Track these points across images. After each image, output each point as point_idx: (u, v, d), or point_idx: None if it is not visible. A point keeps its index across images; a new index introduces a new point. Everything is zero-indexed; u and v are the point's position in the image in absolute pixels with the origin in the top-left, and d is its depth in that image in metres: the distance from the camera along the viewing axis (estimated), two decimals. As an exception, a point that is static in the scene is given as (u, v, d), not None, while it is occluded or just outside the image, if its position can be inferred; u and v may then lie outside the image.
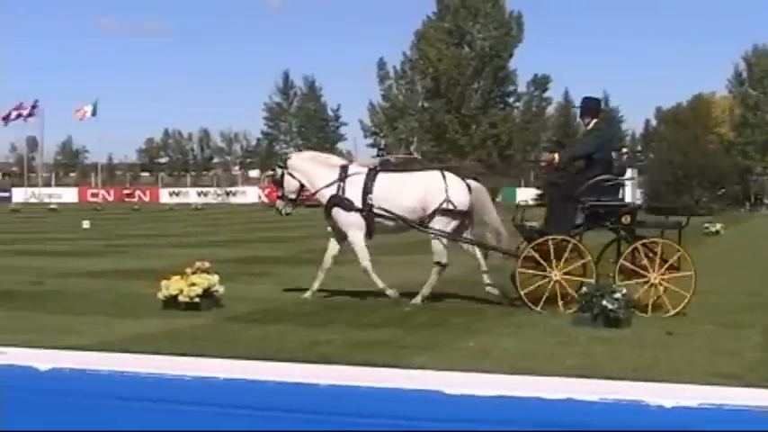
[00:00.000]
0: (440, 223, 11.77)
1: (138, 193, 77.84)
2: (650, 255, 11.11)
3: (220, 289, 10.74)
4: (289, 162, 12.63)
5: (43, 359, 1.63)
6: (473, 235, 12.01)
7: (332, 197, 12.06)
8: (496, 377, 1.51)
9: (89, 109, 78.63)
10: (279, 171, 12.57)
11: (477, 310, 10.95)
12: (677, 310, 10.58)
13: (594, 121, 11.80)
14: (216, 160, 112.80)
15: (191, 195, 74.53)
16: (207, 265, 10.91)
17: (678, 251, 11.10)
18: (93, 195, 76.32)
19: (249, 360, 1.73)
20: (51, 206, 54.62)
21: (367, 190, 11.97)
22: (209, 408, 1.51)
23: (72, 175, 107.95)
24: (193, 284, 10.42)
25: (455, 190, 11.88)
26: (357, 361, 7.58)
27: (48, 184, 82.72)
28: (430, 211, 11.76)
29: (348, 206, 11.99)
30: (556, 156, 12.20)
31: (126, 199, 73.36)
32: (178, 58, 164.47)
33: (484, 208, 12.07)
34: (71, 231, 29.67)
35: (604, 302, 9.63)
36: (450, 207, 11.77)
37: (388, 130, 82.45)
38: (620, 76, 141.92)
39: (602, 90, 77.71)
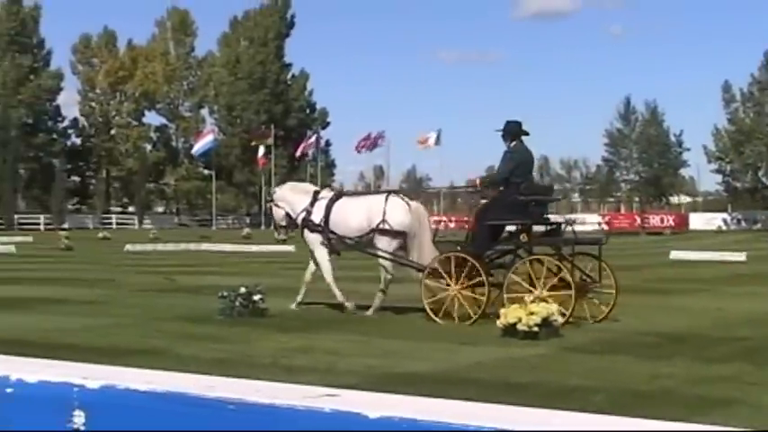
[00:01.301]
0: (382, 242, 13.01)
1: (477, 221, 79.27)
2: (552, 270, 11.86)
3: (559, 318, 10.72)
4: (275, 195, 14.58)
5: (374, 404, 1.37)
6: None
7: (302, 220, 13.73)
8: None
9: (432, 137, 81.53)
10: (269, 204, 14.53)
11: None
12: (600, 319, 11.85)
13: (514, 143, 12.59)
14: (555, 187, 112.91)
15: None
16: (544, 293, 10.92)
17: (604, 267, 12.28)
18: (436, 222, 78.70)
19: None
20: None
21: (327, 213, 13.47)
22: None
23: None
24: (532, 313, 10.48)
25: (393, 211, 13.09)
26: (698, 395, 7.27)
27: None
28: (371, 230, 13.08)
29: (312, 227, 13.59)
30: (478, 180, 13.59)
31: (467, 225, 75.03)
32: (516, 86, 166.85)
33: (420, 228, 13.04)
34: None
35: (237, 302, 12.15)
36: (387, 227, 13.00)
37: (733, 155, 78.47)
38: None
39: None
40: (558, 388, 7.62)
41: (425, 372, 8.32)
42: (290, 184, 15.14)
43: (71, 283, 19.29)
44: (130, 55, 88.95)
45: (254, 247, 37.17)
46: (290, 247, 27.46)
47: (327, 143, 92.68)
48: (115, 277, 21.04)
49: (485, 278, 11.91)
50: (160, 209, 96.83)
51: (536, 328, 10.40)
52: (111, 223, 76.02)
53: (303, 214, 13.78)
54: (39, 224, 72.87)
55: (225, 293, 12.47)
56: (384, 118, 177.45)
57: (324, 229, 13.47)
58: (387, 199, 13.27)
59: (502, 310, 10.73)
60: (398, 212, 13.07)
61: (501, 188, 12.57)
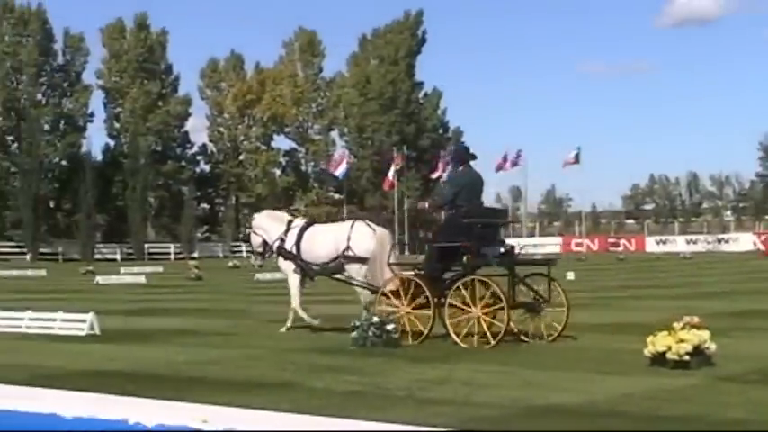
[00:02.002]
0: (352, 268, 14.31)
1: (622, 241, 78.03)
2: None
3: (712, 346, 10.40)
4: (253, 222, 16.06)
5: None
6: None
7: (277, 247, 14.97)
8: None
9: (573, 156, 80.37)
10: (247, 231, 15.88)
11: None
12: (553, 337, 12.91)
13: (462, 167, 13.71)
14: (705, 205, 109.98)
15: (678, 243, 73.21)
16: (696, 319, 10.63)
17: (555, 286, 13.37)
18: (578, 245, 77.73)
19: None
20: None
21: (298, 240, 14.71)
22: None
23: (556, 224, 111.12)
24: (682, 341, 10.21)
25: (358, 238, 14.25)
26: None
27: (532, 234, 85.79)
28: (337, 257, 14.36)
29: (285, 255, 14.94)
30: (426, 204, 15.53)
31: (610, 248, 73.88)
32: (663, 99, 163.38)
33: (383, 252, 14.08)
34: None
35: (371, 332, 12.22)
36: (351, 254, 14.22)
37: None
38: None
39: None
40: (714, 421, 7.40)
41: (569, 404, 8.20)
42: (266, 212, 16.62)
43: (201, 313, 19.82)
44: (258, 78, 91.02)
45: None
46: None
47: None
48: (246, 307, 21.51)
49: (430, 299, 12.95)
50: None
51: (687, 357, 10.13)
52: (240, 251, 77.73)
53: (278, 242, 15.13)
54: (169, 253, 75.10)
55: (357, 322, 12.58)
56: (520, 136, 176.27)
57: (296, 256, 14.80)
58: (352, 226, 14.59)
59: (648, 339, 10.50)
60: (363, 239, 14.33)
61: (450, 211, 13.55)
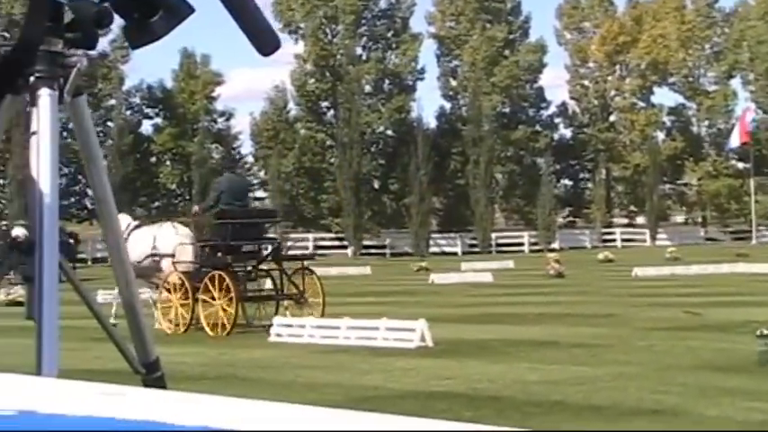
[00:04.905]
0: (164, 265, 19.77)
1: None
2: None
3: None
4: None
5: None
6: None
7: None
8: None
9: None
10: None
11: None
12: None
13: (225, 173, 21.64)
14: None
15: None
16: None
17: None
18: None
19: None
20: None
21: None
22: None
23: None
24: None
25: (161, 238, 19.97)
26: None
27: None
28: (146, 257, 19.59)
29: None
30: (196, 207, 22.30)
31: None
32: None
33: (182, 251, 19.77)
34: None
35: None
36: (156, 252, 19.83)
37: None
38: None
39: None
40: None
41: None
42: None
43: (561, 320, 19.92)
44: (633, 14, 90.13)
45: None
46: None
47: None
48: (618, 312, 21.38)
49: (190, 293, 18.89)
50: (679, 218, 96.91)
51: None
52: (614, 240, 77.44)
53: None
54: (521, 244, 76.14)
55: (765, 331, 12.22)
56: None
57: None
58: (160, 226, 20.67)
59: None
60: (166, 238, 19.93)
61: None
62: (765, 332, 12.24)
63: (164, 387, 2.83)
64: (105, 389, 1.19)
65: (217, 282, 18.64)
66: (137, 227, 20.70)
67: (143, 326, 2.94)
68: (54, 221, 2.39)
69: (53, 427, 1.10)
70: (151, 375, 2.85)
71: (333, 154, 78.24)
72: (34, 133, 2.45)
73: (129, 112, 77.85)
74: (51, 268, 2.37)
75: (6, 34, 2.84)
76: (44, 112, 2.47)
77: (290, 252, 24.05)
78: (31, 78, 2.47)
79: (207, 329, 18.48)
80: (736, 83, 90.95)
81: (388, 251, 72.81)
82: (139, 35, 2.54)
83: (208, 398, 1.22)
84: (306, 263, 21.14)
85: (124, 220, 20.44)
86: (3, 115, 2.53)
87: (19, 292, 21.41)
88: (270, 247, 20.24)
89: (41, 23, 2.43)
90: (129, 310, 2.91)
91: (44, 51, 2.46)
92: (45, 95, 2.48)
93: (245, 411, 1.21)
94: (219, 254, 19.59)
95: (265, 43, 2.51)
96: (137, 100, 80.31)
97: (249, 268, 19.84)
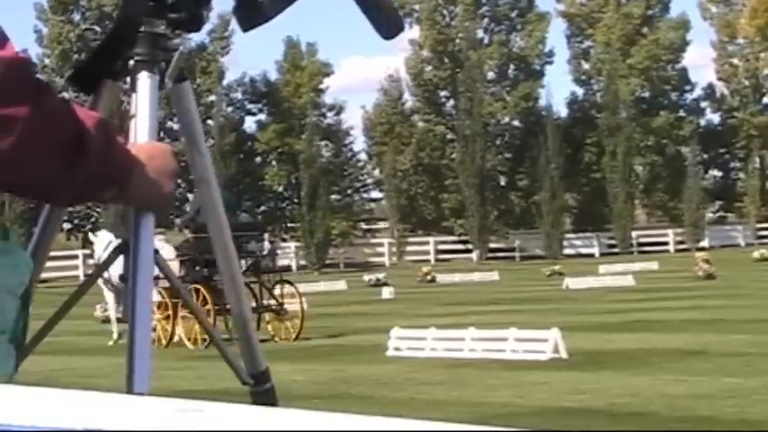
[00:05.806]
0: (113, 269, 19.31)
1: None
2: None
3: None
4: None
5: None
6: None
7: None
8: None
9: None
10: None
11: None
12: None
13: None
14: None
15: None
16: None
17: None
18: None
19: None
20: None
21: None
22: None
23: None
24: None
25: (100, 244, 21.96)
26: None
27: None
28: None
29: None
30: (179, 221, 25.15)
31: None
32: None
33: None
34: None
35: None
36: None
37: None
38: None
39: None
40: None
41: None
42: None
43: (712, 326, 19.74)
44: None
45: None
46: None
47: None
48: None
49: (170, 307, 20.96)
50: None
51: None
52: (772, 236, 76.13)
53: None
54: (666, 243, 75.37)
55: None
56: None
57: None
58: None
59: None
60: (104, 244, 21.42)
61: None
62: None
63: (274, 400, 2.88)
64: (182, 405, 1.21)
65: (195, 295, 20.19)
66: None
67: (253, 335, 3.00)
68: (150, 217, 2.44)
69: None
70: (260, 387, 2.90)
71: (454, 148, 78.02)
72: (133, 116, 2.50)
73: (230, 109, 78.84)
74: (146, 267, 2.43)
75: (97, 28, 2.90)
76: (143, 97, 2.51)
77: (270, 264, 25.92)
78: (131, 62, 2.52)
79: (187, 344, 20.65)
80: None
81: (517, 254, 72.67)
82: (250, 16, 2.57)
83: (297, 413, 1.22)
84: (283, 275, 24.52)
85: (106, 237, 22.68)
86: (102, 101, 2.58)
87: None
88: (249, 261, 22.05)
89: (142, 2, 2.46)
90: (239, 317, 2.97)
91: (145, 33, 2.50)
92: (144, 79, 2.52)
93: (342, 425, 1.21)
94: (197, 267, 21.76)
95: (389, 26, 2.52)
96: (238, 95, 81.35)
97: None
